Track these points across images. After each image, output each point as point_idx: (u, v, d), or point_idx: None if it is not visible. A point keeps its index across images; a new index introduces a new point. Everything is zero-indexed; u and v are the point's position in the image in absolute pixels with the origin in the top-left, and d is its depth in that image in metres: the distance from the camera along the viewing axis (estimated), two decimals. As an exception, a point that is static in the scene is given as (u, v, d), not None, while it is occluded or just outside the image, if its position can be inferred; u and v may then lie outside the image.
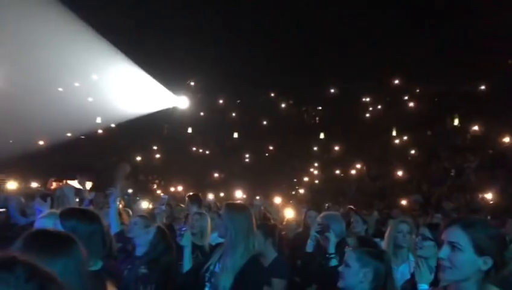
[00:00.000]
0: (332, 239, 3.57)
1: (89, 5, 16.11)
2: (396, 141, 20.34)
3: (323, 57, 19.86)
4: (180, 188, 17.10)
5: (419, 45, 18.19)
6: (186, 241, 3.36)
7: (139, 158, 20.92)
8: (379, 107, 22.49)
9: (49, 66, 16.99)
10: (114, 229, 4.28)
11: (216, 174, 20.88)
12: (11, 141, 18.28)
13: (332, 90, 22.71)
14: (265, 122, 23.43)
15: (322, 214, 4.06)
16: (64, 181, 17.41)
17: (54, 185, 15.91)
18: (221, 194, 15.38)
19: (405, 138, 20.06)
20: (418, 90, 21.56)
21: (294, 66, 20.44)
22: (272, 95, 24.07)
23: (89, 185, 17.37)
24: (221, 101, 23.98)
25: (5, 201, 5.71)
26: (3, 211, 5.51)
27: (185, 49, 18.70)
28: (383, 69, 20.06)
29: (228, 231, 2.98)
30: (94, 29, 16.58)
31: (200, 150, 23.01)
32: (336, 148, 21.09)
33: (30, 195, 6.17)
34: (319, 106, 24.09)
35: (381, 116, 21.84)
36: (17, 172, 13.96)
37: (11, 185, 11.06)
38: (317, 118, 24.23)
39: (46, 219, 2.77)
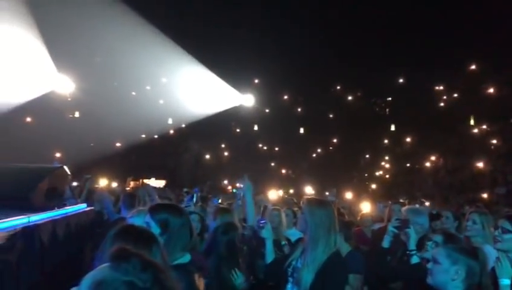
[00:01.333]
0: (413, 235, 3.38)
1: (157, 11, 16.83)
2: (475, 131, 19.02)
3: (389, 46, 19.07)
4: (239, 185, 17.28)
5: (496, 27, 16.82)
6: (267, 234, 3.36)
7: (208, 156, 21.55)
8: (455, 95, 21.16)
9: (122, 71, 18.05)
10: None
11: (284, 171, 20.91)
12: (92, 144, 19.67)
13: (401, 80, 21.75)
14: (331, 116, 23.01)
15: (404, 208, 3.88)
16: (141, 180, 18.46)
17: (132, 184, 16.89)
18: (291, 191, 15.36)
19: (484, 127, 18.69)
20: (497, 76, 19.97)
21: (360, 57, 19.86)
22: (338, 88, 23.57)
23: (162, 182, 18.34)
24: (286, 97, 23.95)
25: (98, 198, 6.10)
26: (95, 209, 5.86)
27: (249, 47, 18.90)
28: (457, 55, 18.80)
29: (308, 226, 2.94)
30: (163, 33, 17.29)
31: (266, 147, 23.18)
32: (408, 139, 20.19)
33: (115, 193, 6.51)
34: (388, 97, 23.20)
35: (457, 104, 20.52)
36: (99, 173, 14.92)
37: (102, 182, 11.84)
38: (387, 110, 23.37)
39: (136, 217, 2.87)
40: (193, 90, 20.38)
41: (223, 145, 23.00)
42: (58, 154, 17.90)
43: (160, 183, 17.44)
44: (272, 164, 21.70)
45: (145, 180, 18.05)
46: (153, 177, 18.87)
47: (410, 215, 3.60)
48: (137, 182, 17.92)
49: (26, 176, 4.67)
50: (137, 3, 16.23)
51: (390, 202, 5.91)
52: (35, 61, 16.56)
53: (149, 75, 19.78)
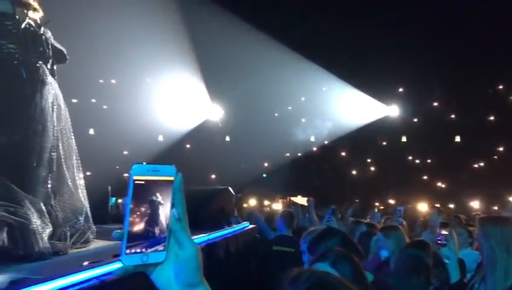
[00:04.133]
0: None
1: (291, 32, 17.28)
2: None
3: None
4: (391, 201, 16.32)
5: None
6: (450, 252, 3.05)
7: (354, 172, 21.03)
8: None
9: (264, 93, 18.97)
10: None
11: (439, 184, 19.13)
12: (242, 165, 20.95)
13: None
14: (492, 119, 20.29)
15: None
16: (288, 198, 18.89)
17: (280, 202, 17.38)
18: (451, 206, 13.90)
19: None
20: None
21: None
22: (501, 87, 20.70)
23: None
24: (435, 104, 22.05)
25: (251, 216, 6.40)
26: (251, 227, 6.12)
27: (389, 56, 18.04)
28: None
29: (484, 249, 2.56)
30: (298, 53, 17.69)
31: (416, 159, 21.59)
32: None
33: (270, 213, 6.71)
34: None
35: None
36: (251, 192, 15.67)
37: (252, 202, 12.48)
38: None
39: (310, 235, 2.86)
40: (334, 106, 20.29)
41: (368, 160, 22.19)
42: (213, 176, 19.52)
43: (305, 200, 17.54)
44: (425, 177, 20.04)
45: (292, 198, 18.38)
46: (299, 194, 19.12)
47: None
48: (285, 200, 18.37)
49: (197, 198, 5.11)
50: (273, 29, 16.98)
51: None
52: (194, 95, 18.67)
53: (289, 95, 20.35)
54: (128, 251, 0.72)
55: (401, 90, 22.38)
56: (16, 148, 3.13)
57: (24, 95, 3.28)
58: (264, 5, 17.17)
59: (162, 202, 0.74)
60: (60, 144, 3.42)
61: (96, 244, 3.38)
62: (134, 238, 0.73)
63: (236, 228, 5.23)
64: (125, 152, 19.87)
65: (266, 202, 15.69)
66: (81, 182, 3.67)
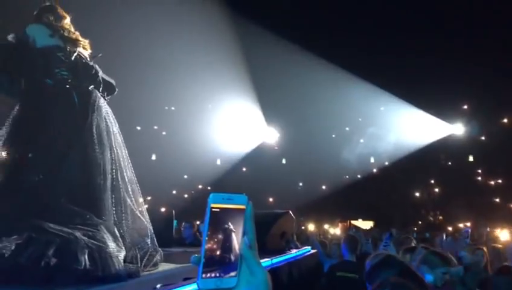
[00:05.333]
0: None
1: (345, 53, 17.15)
2: None
3: None
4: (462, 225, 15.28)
5: None
6: None
7: (417, 194, 20.10)
8: None
9: (320, 115, 18.85)
10: None
11: (513, 206, 17.75)
12: (299, 188, 20.80)
13: None
14: None
15: None
16: (348, 222, 18.39)
17: (340, 226, 16.95)
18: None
19: None
20: None
21: None
22: None
23: (370, 223, 17.86)
24: (505, 120, 20.68)
25: (310, 242, 6.28)
26: (313, 252, 5.99)
27: (450, 71, 17.32)
28: None
29: None
30: (354, 74, 17.48)
31: (487, 181, 20.22)
32: None
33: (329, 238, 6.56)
34: None
35: None
36: (309, 215, 15.44)
37: (311, 227, 12.28)
38: None
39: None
40: (393, 125, 19.73)
41: (432, 181, 21.14)
42: (271, 199, 19.50)
43: (367, 224, 16.98)
44: (497, 199, 18.69)
45: (353, 222, 17.87)
46: (360, 218, 18.56)
47: None
48: (345, 224, 17.88)
49: (258, 222, 5.11)
50: (326, 50, 16.96)
51: None
52: (250, 118, 19.03)
53: (346, 116, 20.06)
54: (204, 276, 0.76)
55: (465, 108, 21.28)
56: (82, 175, 3.34)
57: (78, 119, 3.50)
58: (316, 27, 17.28)
59: (234, 229, 0.77)
60: (118, 169, 3.59)
61: (164, 267, 3.46)
62: (209, 264, 0.76)
63: (298, 252, 5.15)
64: (185, 176, 20.48)
65: (325, 226, 15.36)
66: (142, 206, 3.80)
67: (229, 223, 0.78)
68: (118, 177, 3.57)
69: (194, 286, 1.95)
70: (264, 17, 16.15)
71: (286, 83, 18.04)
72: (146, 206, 4.08)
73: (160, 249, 3.71)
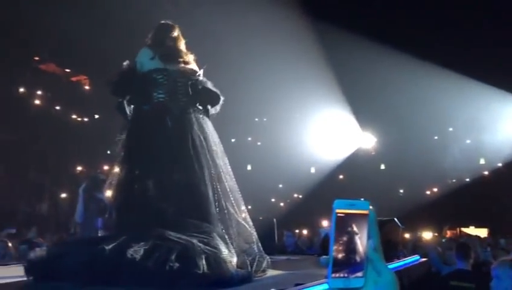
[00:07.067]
0: None
1: (440, 49, 16.07)
2: None
3: None
4: None
5: None
6: None
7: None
8: None
9: (419, 117, 17.82)
10: None
11: None
12: (400, 195, 19.83)
13: None
14: None
15: None
16: (458, 229, 17.01)
17: (448, 233, 15.75)
18: None
19: None
20: None
21: None
22: None
23: (484, 231, 16.30)
24: None
25: (425, 250, 5.96)
26: (423, 260, 5.70)
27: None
28: None
29: None
30: (453, 70, 16.27)
31: None
32: None
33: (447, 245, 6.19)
34: None
35: None
36: (413, 223, 14.63)
37: (427, 234, 11.66)
38: None
39: (499, 269, 2.57)
40: (504, 123, 17.94)
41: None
42: (370, 207, 18.81)
43: (481, 231, 15.57)
44: None
45: (463, 229, 16.52)
46: (472, 225, 17.09)
47: None
48: (455, 231, 16.60)
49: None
50: (419, 48, 16.04)
51: None
52: (343, 124, 18.70)
53: (449, 116, 18.70)
54: (333, 275, 0.82)
55: None
56: (189, 188, 3.60)
57: (176, 138, 3.76)
58: (407, 25, 16.46)
59: (357, 232, 0.83)
60: (219, 180, 3.78)
61: (272, 273, 3.56)
62: (337, 264, 0.82)
63: (407, 261, 4.93)
64: (280, 185, 20.69)
65: (423, 234, 14.44)
66: (245, 214, 3.95)
67: (353, 227, 0.83)
68: (219, 187, 3.78)
69: (325, 286, 1.99)
70: (349, 20, 15.85)
71: (378, 86, 17.43)
72: (247, 215, 4.22)
73: (266, 255, 3.82)
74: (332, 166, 19.66)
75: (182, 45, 4.16)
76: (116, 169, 3.83)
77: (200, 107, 4.09)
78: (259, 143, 21.38)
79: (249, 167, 20.78)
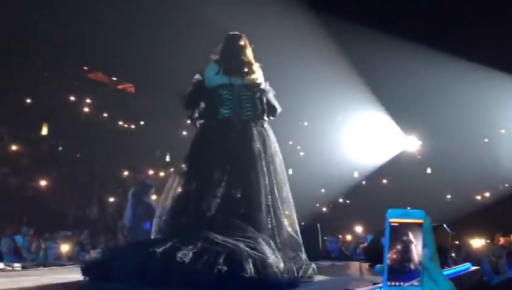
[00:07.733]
0: None
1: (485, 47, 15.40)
2: None
3: None
4: None
5: None
6: None
7: None
8: None
9: (468, 118, 17.12)
10: None
11: None
12: (448, 199, 19.08)
13: None
14: None
15: None
16: (511, 236, 16.10)
17: (502, 240, 14.95)
18: None
19: None
20: None
21: None
22: None
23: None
24: None
25: (477, 258, 5.73)
26: (475, 269, 5.47)
27: None
28: None
29: None
30: (501, 69, 15.55)
31: None
32: None
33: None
34: None
35: None
36: (463, 229, 14.07)
37: (477, 242, 11.17)
38: None
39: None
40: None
41: None
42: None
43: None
44: None
45: (517, 237, 15.63)
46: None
47: None
48: (508, 238, 15.76)
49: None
50: (461, 47, 15.45)
51: None
52: (386, 128, 18.27)
53: (501, 117, 17.87)
54: (388, 283, 0.82)
55: None
56: (243, 198, 3.70)
57: (235, 149, 3.86)
58: (448, 24, 15.92)
59: (413, 240, 0.82)
60: (274, 189, 3.83)
61: (318, 278, 3.54)
62: (392, 272, 0.82)
63: (458, 268, 4.75)
64: (322, 190, 20.48)
65: (474, 241, 13.81)
66: (295, 223, 3.97)
67: (409, 235, 0.83)
68: (275, 197, 3.85)
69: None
70: (391, 22, 15.56)
71: (422, 88, 16.93)
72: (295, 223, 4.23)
73: (312, 262, 3.82)
74: (375, 170, 19.26)
75: (249, 53, 4.21)
76: (176, 179, 4.02)
77: (264, 118, 4.19)
78: (298, 147, 21.32)
79: (290, 171, 20.67)
